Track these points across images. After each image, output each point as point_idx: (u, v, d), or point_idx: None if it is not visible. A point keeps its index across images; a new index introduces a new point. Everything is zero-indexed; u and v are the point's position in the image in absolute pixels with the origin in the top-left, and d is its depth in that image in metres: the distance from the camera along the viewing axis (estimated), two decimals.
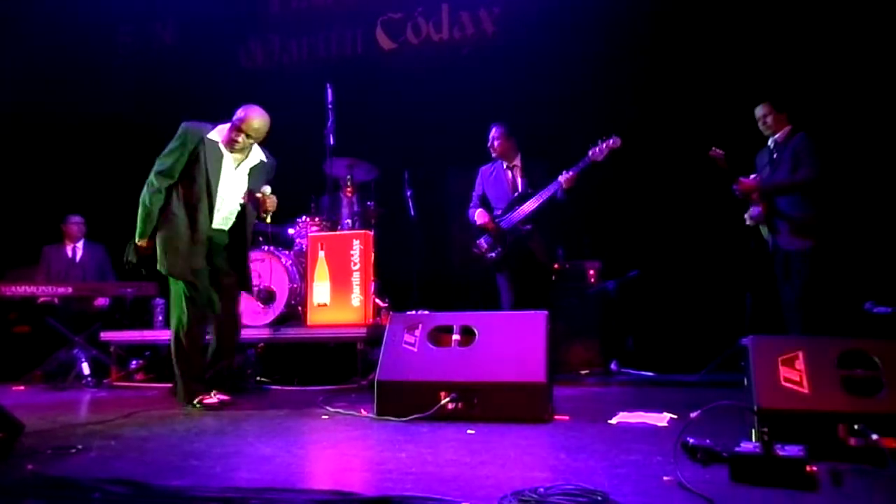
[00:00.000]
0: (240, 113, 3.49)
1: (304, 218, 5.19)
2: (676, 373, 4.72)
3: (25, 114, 6.93)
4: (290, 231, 5.26)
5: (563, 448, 2.34)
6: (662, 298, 5.32)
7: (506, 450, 2.32)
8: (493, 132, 4.61)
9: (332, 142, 4.93)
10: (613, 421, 2.85)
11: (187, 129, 3.51)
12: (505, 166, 4.63)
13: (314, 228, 5.07)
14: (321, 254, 4.69)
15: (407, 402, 2.93)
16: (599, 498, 1.58)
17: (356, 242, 4.66)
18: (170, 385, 4.11)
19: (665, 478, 1.85)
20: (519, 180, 4.58)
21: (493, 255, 4.53)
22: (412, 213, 5.20)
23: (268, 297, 4.85)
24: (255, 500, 1.64)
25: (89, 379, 4.83)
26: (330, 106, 4.95)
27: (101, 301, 5.56)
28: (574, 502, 1.56)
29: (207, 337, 3.70)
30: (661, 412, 2.93)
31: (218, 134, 3.52)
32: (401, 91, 6.19)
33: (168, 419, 3.12)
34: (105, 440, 2.59)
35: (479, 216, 4.58)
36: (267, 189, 3.59)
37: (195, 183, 3.48)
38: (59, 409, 3.57)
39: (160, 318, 5.15)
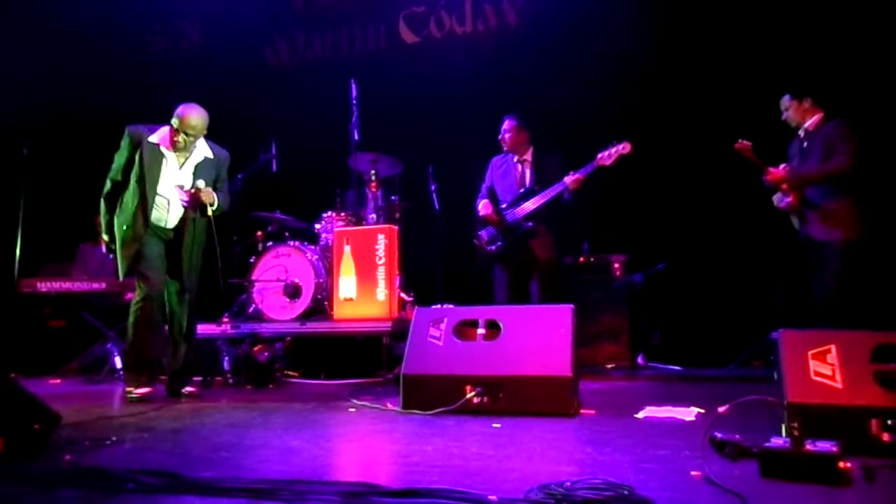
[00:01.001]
0: (177, 112, 3.54)
1: (329, 213, 5.22)
2: (704, 367, 4.67)
3: (65, 113, 7.07)
4: (316, 226, 5.30)
5: (589, 442, 2.33)
6: (690, 291, 5.25)
7: (531, 443, 2.32)
8: (506, 124, 4.57)
9: (356, 137, 4.96)
10: (640, 415, 2.83)
11: (129, 132, 3.62)
12: (515, 160, 4.58)
13: (339, 223, 5.10)
14: (347, 248, 4.73)
15: (432, 395, 2.95)
16: (626, 492, 1.57)
17: (381, 237, 4.68)
18: (198, 378, 4.19)
19: (693, 473, 1.83)
20: (528, 175, 4.51)
21: (493, 248, 4.50)
22: (437, 207, 5.20)
23: (294, 292, 4.90)
24: (285, 492, 1.66)
25: (122, 372, 4.93)
26: (354, 101, 4.97)
27: (132, 296, 5.66)
28: (600, 496, 1.55)
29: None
30: (689, 406, 2.90)
31: (158, 136, 3.60)
32: (424, 85, 6.18)
33: (199, 412, 3.19)
34: (139, 432, 2.64)
35: (482, 207, 4.53)
36: (200, 183, 3.62)
37: (137, 185, 3.56)
38: (94, 401, 3.66)
39: None
